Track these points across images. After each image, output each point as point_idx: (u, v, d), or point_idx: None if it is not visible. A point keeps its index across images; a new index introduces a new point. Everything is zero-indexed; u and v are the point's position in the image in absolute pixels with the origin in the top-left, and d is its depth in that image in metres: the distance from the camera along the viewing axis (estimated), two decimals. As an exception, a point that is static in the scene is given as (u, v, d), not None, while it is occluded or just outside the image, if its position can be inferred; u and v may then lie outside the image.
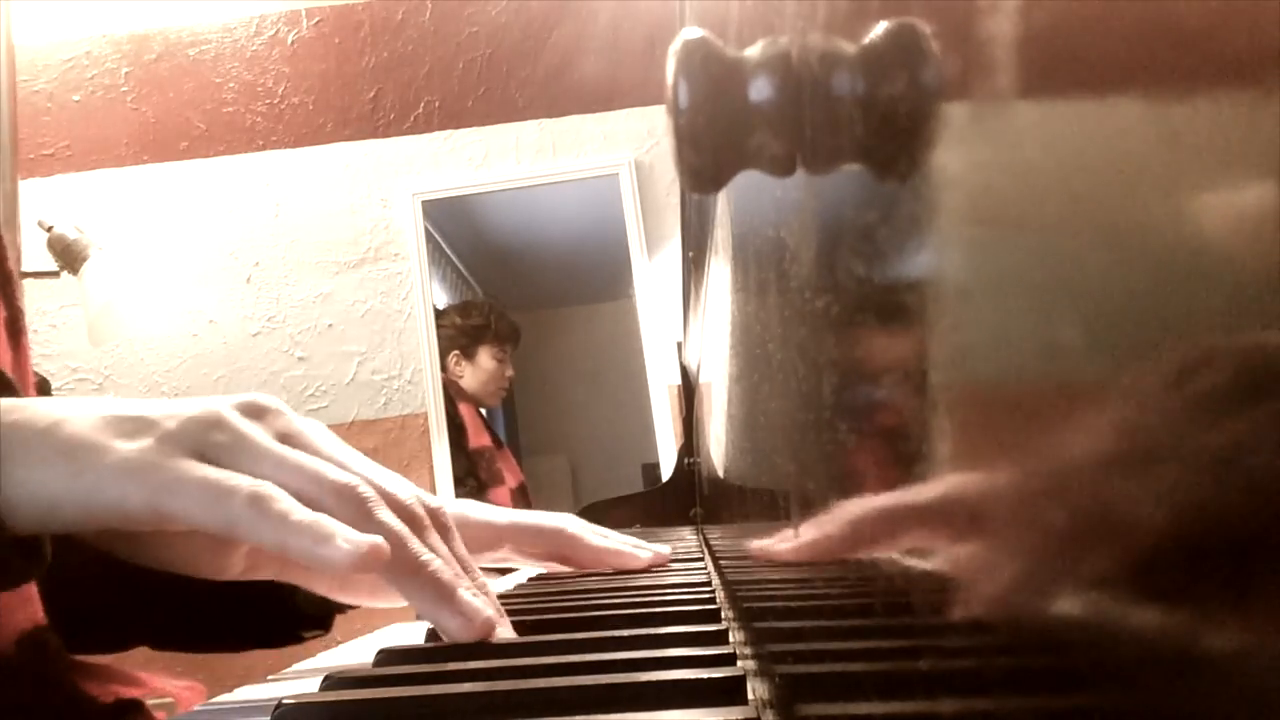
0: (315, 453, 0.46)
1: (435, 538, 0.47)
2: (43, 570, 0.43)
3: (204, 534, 0.44)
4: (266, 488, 0.42)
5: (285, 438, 0.46)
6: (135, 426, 0.43)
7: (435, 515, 0.48)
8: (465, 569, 0.48)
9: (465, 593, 0.45)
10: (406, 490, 0.47)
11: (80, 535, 0.46)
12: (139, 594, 0.60)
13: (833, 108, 0.18)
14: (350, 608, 0.66)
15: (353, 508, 0.44)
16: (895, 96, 0.15)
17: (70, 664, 0.56)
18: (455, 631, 0.45)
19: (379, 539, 0.42)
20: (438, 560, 0.45)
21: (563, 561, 0.74)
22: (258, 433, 0.45)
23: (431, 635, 0.50)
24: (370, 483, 0.45)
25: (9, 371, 0.63)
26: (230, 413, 0.45)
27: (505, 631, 0.47)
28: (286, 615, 0.65)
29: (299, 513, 0.42)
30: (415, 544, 0.45)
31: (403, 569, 0.44)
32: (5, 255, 0.68)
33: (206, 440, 0.44)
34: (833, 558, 0.21)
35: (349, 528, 0.42)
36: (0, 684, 0.50)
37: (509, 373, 2.36)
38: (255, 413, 0.46)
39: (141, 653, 0.71)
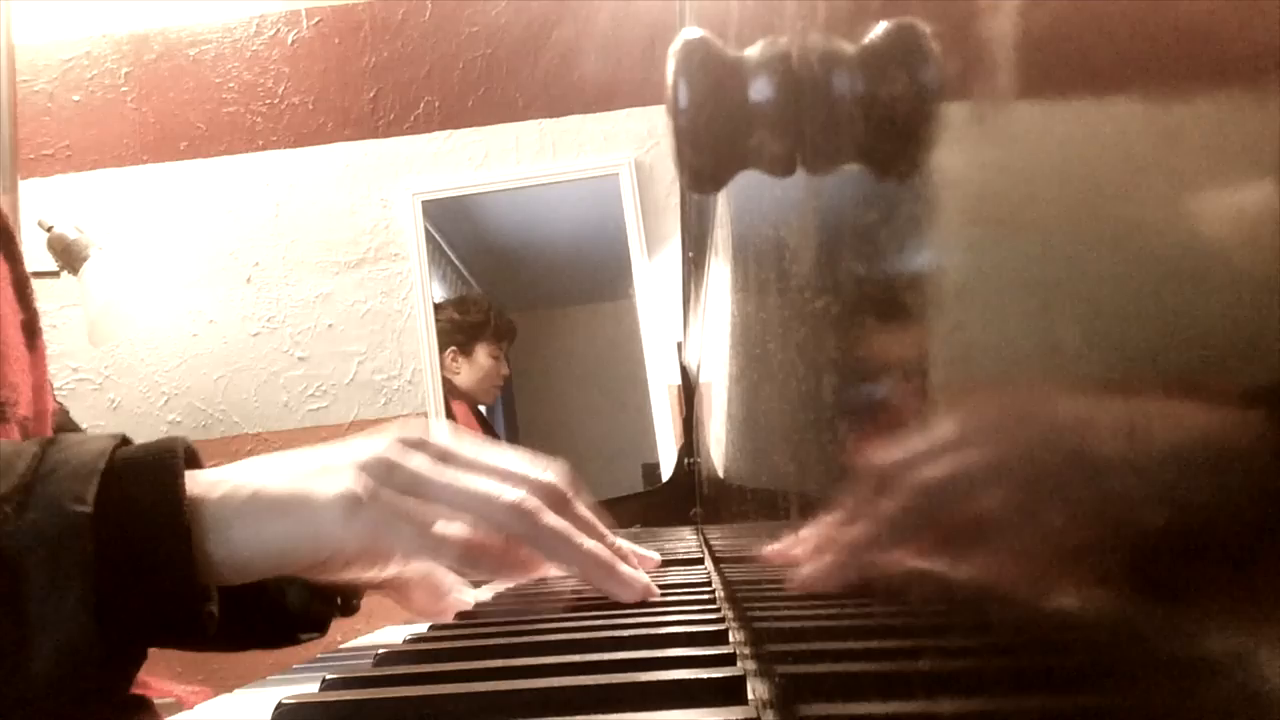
0: (471, 466, 0.54)
1: (578, 508, 0.56)
2: (213, 629, 0.49)
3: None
4: (474, 538, 0.50)
5: (444, 458, 0.54)
6: (326, 475, 0.50)
7: (566, 492, 0.57)
8: (601, 535, 0.57)
9: (623, 567, 0.56)
10: (547, 478, 0.56)
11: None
12: None
13: (833, 108, 0.18)
14: (349, 614, 0.68)
15: (526, 522, 0.52)
16: (895, 96, 0.15)
17: None
18: (624, 598, 0.55)
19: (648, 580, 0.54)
20: (594, 544, 0.55)
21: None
22: (425, 466, 0.52)
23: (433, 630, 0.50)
24: (527, 483, 0.54)
25: (27, 371, 0.64)
26: (396, 452, 0.52)
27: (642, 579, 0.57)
28: (284, 617, 0.67)
29: (495, 558, 0.50)
30: (576, 538, 0.54)
31: (574, 562, 0.54)
32: (21, 260, 0.69)
33: (389, 479, 0.51)
34: (838, 569, 0.21)
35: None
36: None
37: (505, 370, 2.36)
38: (415, 445, 0.53)
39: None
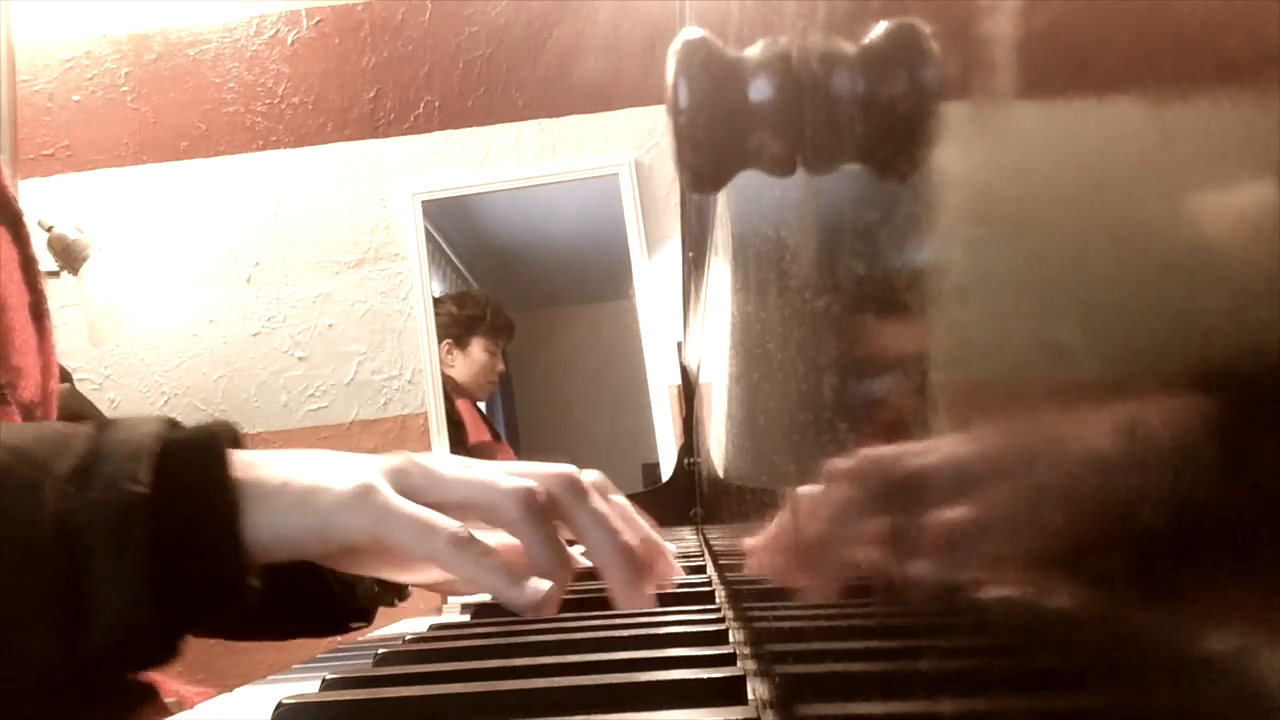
0: (484, 470, 0.57)
1: (594, 499, 0.58)
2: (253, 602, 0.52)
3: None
4: (464, 530, 0.52)
5: (453, 477, 0.56)
6: (347, 472, 0.53)
7: (593, 489, 0.59)
8: (631, 522, 0.61)
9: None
10: (563, 470, 0.59)
11: None
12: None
13: (833, 108, 0.18)
14: (403, 599, 0.76)
15: (526, 507, 0.55)
16: (895, 96, 0.15)
17: None
18: (619, 593, 0.57)
19: (548, 588, 0.52)
20: (604, 535, 0.57)
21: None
22: (442, 465, 0.56)
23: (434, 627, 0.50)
24: (537, 476, 0.57)
25: (34, 353, 0.66)
26: (412, 463, 0.57)
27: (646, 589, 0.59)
28: (334, 606, 0.72)
29: (490, 558, 0.52)
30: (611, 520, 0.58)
31: (585, 543, 0.57)
32: (29, 243, 0.70)
33: (405, 481, 0.55)
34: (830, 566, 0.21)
35: (532, 578, 0.52)
36: None
37: (500, 367, 2.36)
38: (432, 460, 0.57)
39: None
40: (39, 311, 0.71)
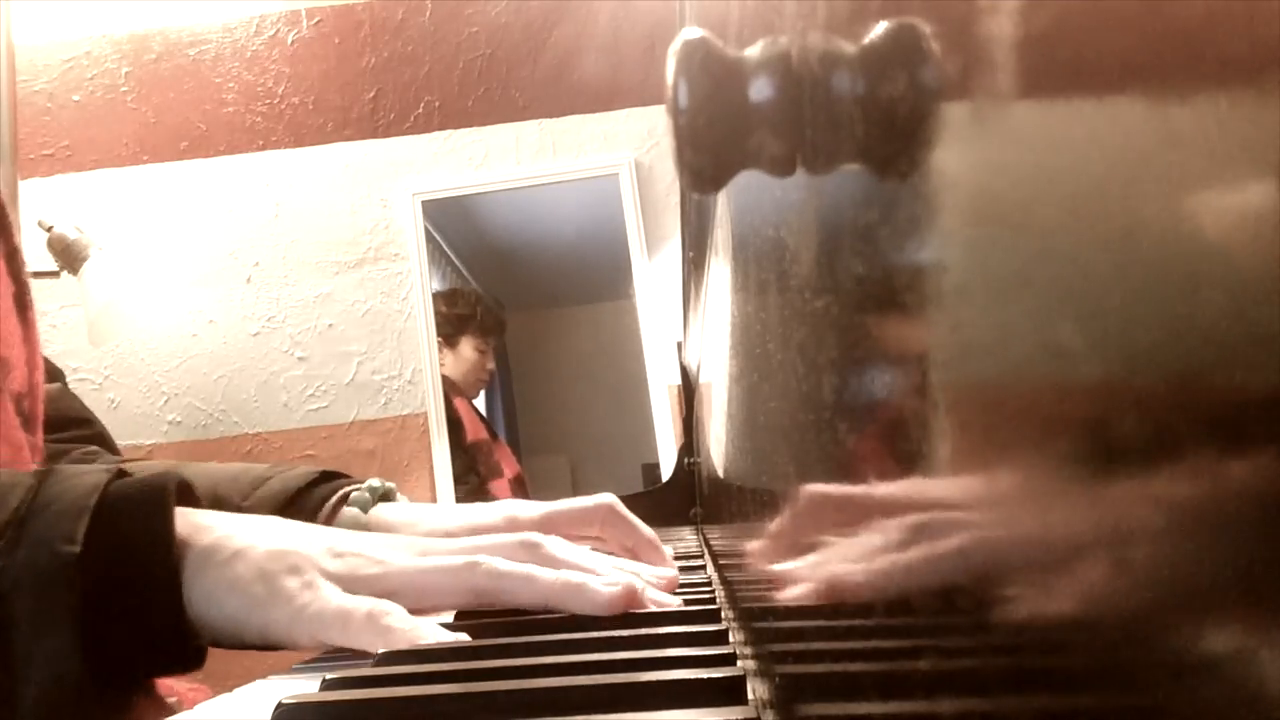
0: (445, 544, 0.57)
1: (554, 547, 0.57)
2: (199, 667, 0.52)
3: None
4: (380, 606, 0.50)
5: (424, 551, 0.56)
6: (297, 563, 0.51)
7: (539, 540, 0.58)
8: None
9: (593, 583, 0.54)
10: (510, 515, 0.60)
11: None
12: None
13: (833, 108, 0.18)
14: None
15: (473, 580, 0.53)
16: (895, 96, 0.15)
17: None
18: (599, 611, 0.54)
19: (458, 636, 0.51)
20: (555, 575, 0.54)
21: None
22: (394, 555, 0.55)
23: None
24: (480, 549, 0.55)
25: (19, 344, 0.65)
26: (374, 542, 0.55)
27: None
28: None
29: (402, 622, 0.50)
30: (537, 576, 0.54)
31: (536, 602, 0.54)
32: (13, 234, 0.69)
33: (354, 562, 0.53)
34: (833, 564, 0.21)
35: (435, 627, 0.51)
36: None
37: (490, 365, 2.36)
38: (386, 545, 0.56)
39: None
40: (23, 303, 0.70)
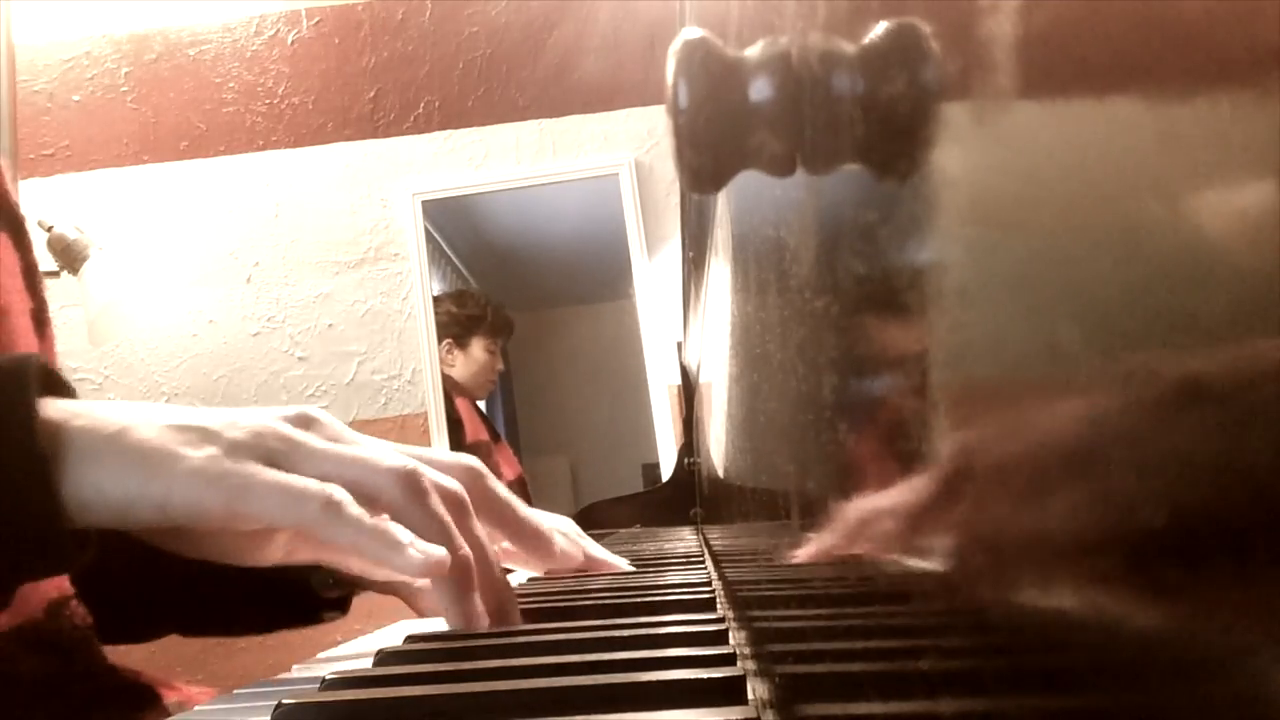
0: (360, 445, 0.49)
1: (474, 523, 0.50)
2: (87, 559, 0.46)
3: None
4: (339, 493, 0.45)
5: (335, 441, 0.49)
6: (200, 436, 0.46)
7: (481, 491, 0.53)
8: (487, 556, 0.51)
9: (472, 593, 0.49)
10: (452, 476, 0.51)
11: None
12: (169, 582, 0.63)
13: (833, 108, 0.18)
14: (367, 588, 0.71)
15: (410, 493, 0.47)
16: (895, 96, 0.15)
17: (93, 631, 0.61)
18: (457, 625, 0.49)
19: (442, 551, 0.46)
20: (471, 545, 0.49)
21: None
22: (311, 438, 0.48)
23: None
24: (421, 465, 0.48)
25: None
26: (282, 423, 0.48)
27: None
28: (308, 599, 0.69)
29: (370, 518, 0.45)
30: (457, 539, 0.48)
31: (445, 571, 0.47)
32: (30, 249, 0.70)
33: (267, 447, 0.46)
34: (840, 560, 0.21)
35: (417, 539, 0.45)
36: (28, 647, 0.54)
37: (499, 366, 2.36)
38: (304, 422, 0.49)
39: (143, 651, 0.71)
40: (41, 318, 0.71)
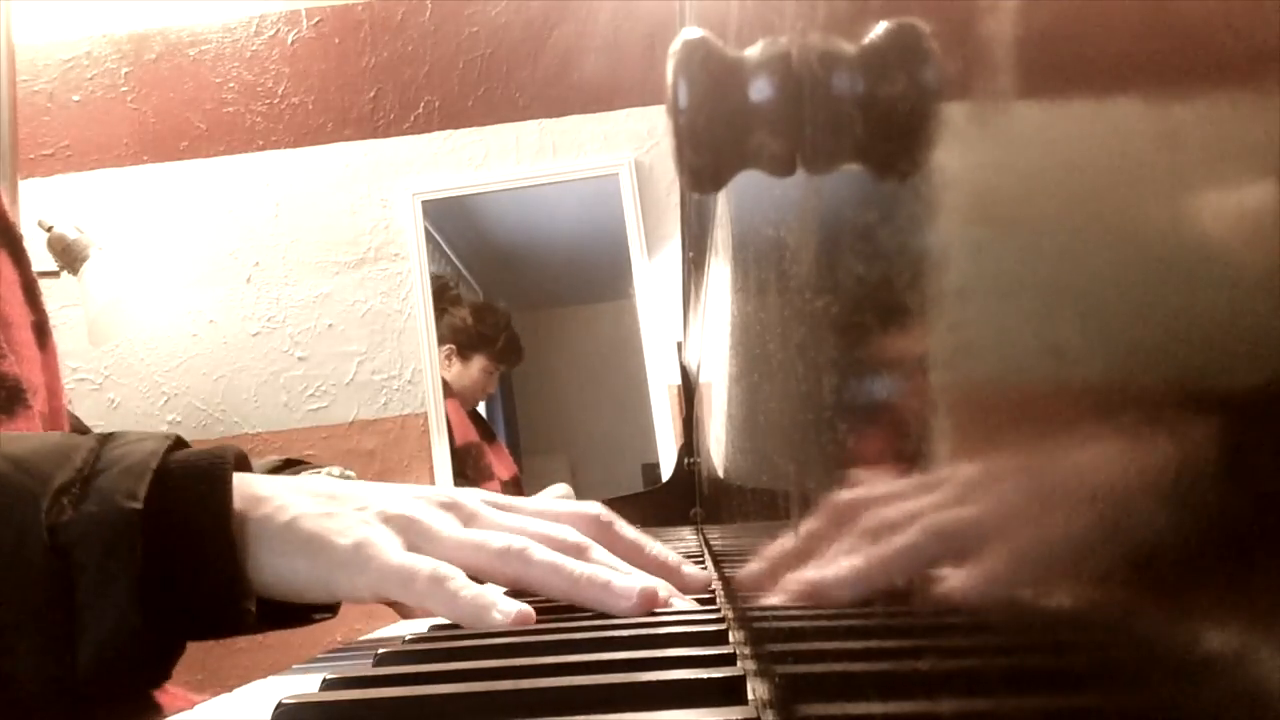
0: (491, 527, 0.57)
1: (597, 553, 0.57)
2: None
3: None
4: (443, 569, 0.52)
5: (470, 520, 0.57)
6: (349, 521, 0.54)
7: (610, 539, 0.60)
8: (642, 553, 0.60)
9: (619, 580, 0.55)
10: (561, 528, 0.58)
11: None
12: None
13: (833, 108, 0.18)
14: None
15: (513, 561, 0.54)
16: (895, 96, 0.15)
17: None
18: (621, 611, 0.55)
19: (525, 608, 0.52)
20: (587, 568, 0.55)
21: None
22: (443, 523, 0.56)
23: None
24: (525, 534, 0.56)
25: (37, 372, 0.68)
26: (422, 510, 0.56)
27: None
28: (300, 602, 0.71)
29: (467, 589, 0.52)
30: (567, 567, 0.55)
31: (564, 593, 0.55)
32: (29, 264, 0.72)
33: (407, 530, 0.55)
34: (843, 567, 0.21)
35: (504, 599, 0.53)
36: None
37: (491, 389, 2.36)
38: (448, 507, 0.58)
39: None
40: (42, 330, 0.73)
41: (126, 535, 0.46)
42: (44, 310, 0.74)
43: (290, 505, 0.53)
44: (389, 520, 0.55)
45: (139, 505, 0.46)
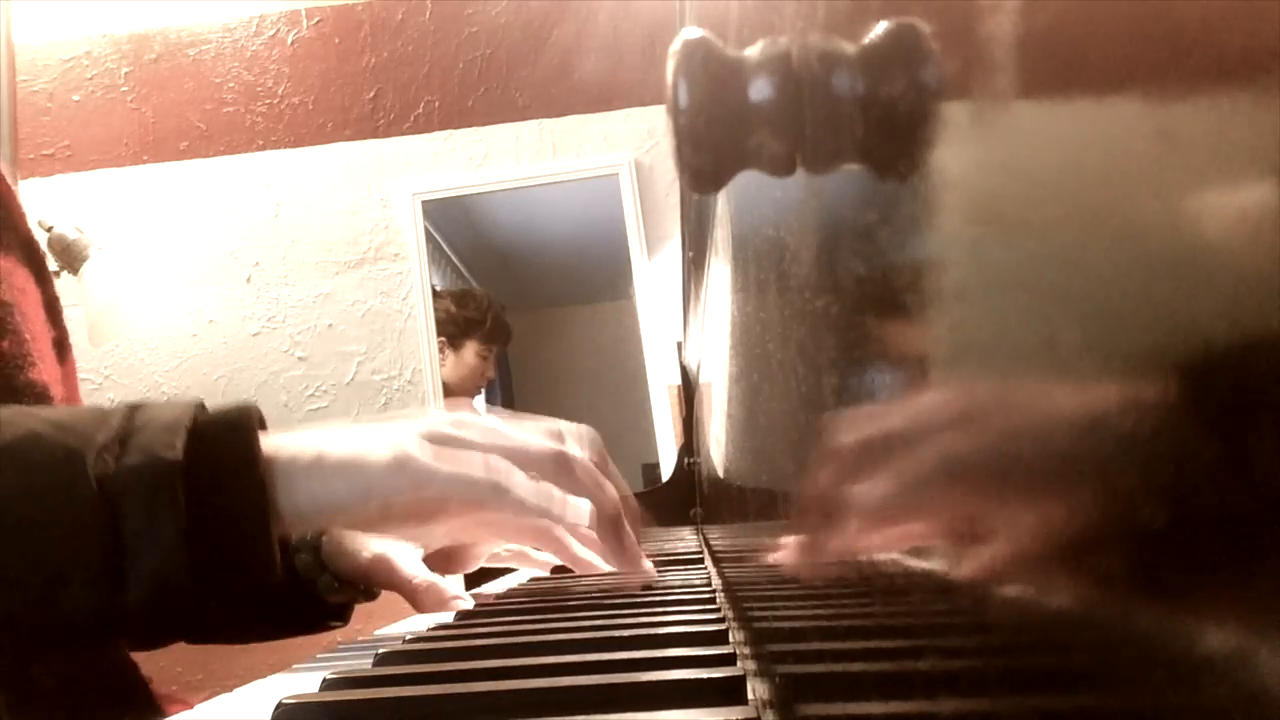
0: (507, 438, 0.61)
1: (611, 468, 0.64)
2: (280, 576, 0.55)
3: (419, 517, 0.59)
4: (500, 474, 0.56)
5: (491, 432, 0.61)
6: (381, 441, 0.56)
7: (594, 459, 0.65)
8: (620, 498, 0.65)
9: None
10: (585, 435, 0.65)
11: None
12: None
13: (833, 108, 0.18)
14: (370, 599, 0.78)
15: (563, 471, 0.60)
16: (895, 96, 0.15)
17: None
18: (624, 567, 0.66)
19: (588, 504, 0.58)
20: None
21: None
22: (473, 434, 0.59)
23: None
24: (565, 439, 0.62)
25: (58, 385, 0.71)
26: (451, 423, 0.60)
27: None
28: (313, 609, 0.76)
29: (528, 486, 0.56)
30: (604, 488, 0.62)
31: (599, 504, 0.61)
32: (51, 282, 0.75)
33: (438, 444, 0.57)
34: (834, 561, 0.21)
35: (570, 496, 0.58)
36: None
37: (489, 374, 2.35)
38: (458, 424, 0.60)
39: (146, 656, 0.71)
40: (62, 346, 0.77)
41: (169, 482, 0.49)
42: (64, 327, 0.78)
43: (315, 442, 0.56)
44: (422, 434, 0.58)
45: (179, 456, 0.50)
